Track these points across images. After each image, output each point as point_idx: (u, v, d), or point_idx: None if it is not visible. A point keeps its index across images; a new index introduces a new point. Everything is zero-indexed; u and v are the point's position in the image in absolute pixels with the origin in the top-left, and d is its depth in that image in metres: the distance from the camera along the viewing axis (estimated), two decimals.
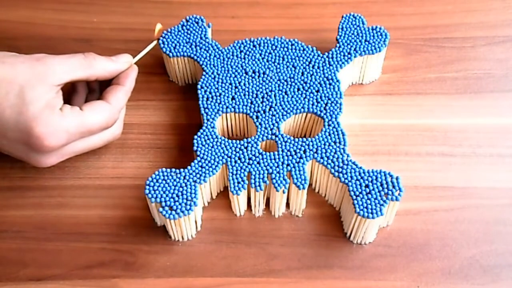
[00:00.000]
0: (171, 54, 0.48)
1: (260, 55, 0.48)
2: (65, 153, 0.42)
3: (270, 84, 0.47)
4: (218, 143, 0.44)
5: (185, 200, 0.40)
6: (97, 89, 0.46)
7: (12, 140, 0.40)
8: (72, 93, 0.45)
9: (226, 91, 0.46)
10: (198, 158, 0.43)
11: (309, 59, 0.48)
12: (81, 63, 0.42)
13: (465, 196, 0.44)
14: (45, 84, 0.40)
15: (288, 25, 0.55)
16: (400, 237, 0.43)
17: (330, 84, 0.46)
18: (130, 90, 0.45)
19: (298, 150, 0.43)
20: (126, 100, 0.44)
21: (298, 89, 0.46)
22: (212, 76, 0.47)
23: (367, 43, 0.48)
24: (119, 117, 0.44)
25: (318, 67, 0.47)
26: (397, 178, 0.41)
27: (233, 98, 0.46)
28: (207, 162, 0.43)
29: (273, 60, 0.48)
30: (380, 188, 0.41)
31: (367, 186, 0.41)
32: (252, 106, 0.46)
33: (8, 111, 0.39)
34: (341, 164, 0.42)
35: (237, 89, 0.46)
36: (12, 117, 0.39)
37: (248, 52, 0.48)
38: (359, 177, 0.42)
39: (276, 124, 0.45)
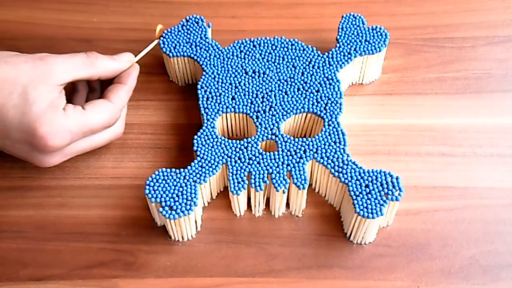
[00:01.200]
0: (171, 54, 0.48)
1: (260, 55, 0.48)
2: (68, 152, 0.42)
3: (270, 84, 0.47)
4: (218, 143, 0.44)
5: (185, 200, 0.40)
6: (98, 88, 0.46)
7: (16, 141, 0.40)
8: (72, 92, 0.45)
9: (226, 91, 0.46)
10: (198, 158, 0.43)
11: (309, 59, 0.48)
12: (83, 62, 0.42)
13: (465, 196, 0.44)
14: (48, 84, 0.39)
15: (288, 25, 0.55)
16: (400, 237, 0.43)
17: (330, 84, 0.46)
18: (132, 88, 0.45)
19: (298, 150, 0.43)
20: (128, 99, 0.44)
21: (298, 89, 0.46)
22: (212, 76, 0.47)
23: (367, 43, 0.48)
24: (121, 115, 0.44)
25: (318, 67, 0.47)
26: (397, 178, 0.41)
27: (233, 98, 0.46)
28: (207, 162, 0.43)
29: (273, 60, 0.48)
30: (380, 188, 0.41)
31: (367, 186, 0.41)
32: (252, 106, 0.46)
33: (11, 112, 0.39)
34: (341, 164, 0.42)
35: (237, 89, 0.46)
36: (15, 118, 0.39)
37: (248, 52, 0.48)
38: (359, 177, 0.42)
39: (276, 124, 0.45)
